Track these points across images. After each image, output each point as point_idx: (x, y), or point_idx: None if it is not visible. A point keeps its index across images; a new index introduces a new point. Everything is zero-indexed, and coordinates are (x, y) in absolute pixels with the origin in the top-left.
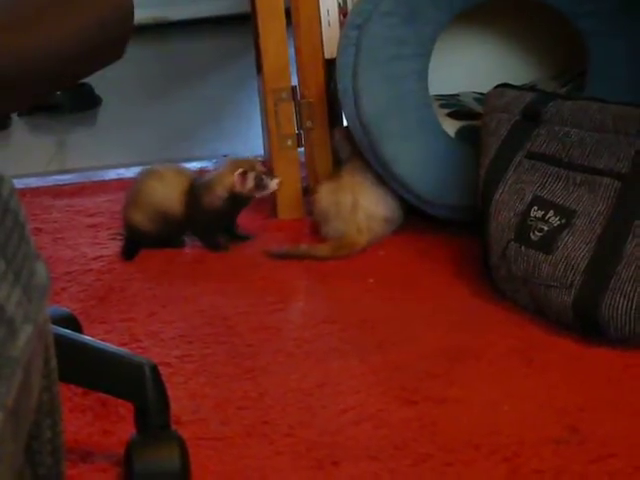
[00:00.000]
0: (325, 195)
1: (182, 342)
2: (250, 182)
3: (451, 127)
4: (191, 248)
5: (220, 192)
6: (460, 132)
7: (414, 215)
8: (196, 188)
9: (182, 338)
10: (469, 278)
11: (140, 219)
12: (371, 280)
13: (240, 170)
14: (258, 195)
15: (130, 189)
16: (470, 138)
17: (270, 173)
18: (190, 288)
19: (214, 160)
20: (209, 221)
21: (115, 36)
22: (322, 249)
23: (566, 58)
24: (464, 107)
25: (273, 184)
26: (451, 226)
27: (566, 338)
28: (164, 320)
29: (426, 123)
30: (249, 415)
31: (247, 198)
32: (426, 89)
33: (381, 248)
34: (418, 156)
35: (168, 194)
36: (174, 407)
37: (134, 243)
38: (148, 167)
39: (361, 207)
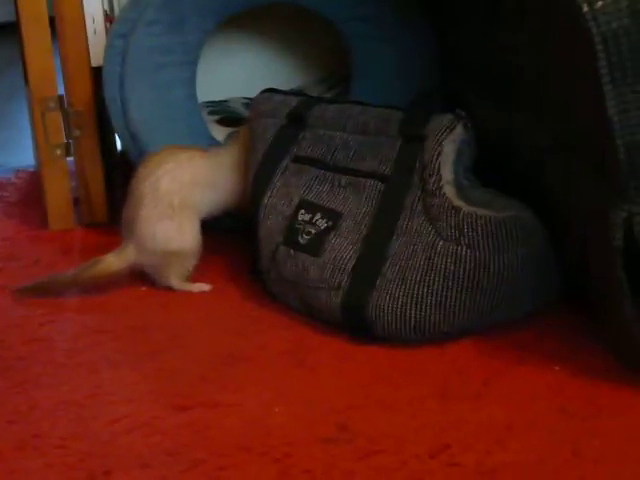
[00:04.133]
0: None
1: None
2: None
3: (220, 133)
4: None
5: None
6: (229, 138)
7: None
8: None
9: None
10: (241, 282)
11: None
12: (143, 288)
13: None
14: None
15: None
16: None
17: None
18: None
19: None
20: None
21: None
22: None
23: (333, 62)
24: (233, 113)
25: None
26: (227, 232)
27: (336, 338)
28: None
29: (195, 130)
30: (19, 429)
31: None
32: (194, 96)
33: None
34: None
35: None
36: None
37: None
38: None
39: None
